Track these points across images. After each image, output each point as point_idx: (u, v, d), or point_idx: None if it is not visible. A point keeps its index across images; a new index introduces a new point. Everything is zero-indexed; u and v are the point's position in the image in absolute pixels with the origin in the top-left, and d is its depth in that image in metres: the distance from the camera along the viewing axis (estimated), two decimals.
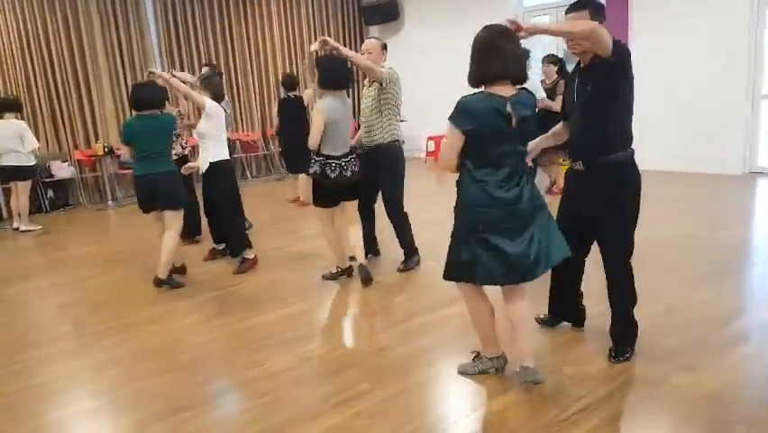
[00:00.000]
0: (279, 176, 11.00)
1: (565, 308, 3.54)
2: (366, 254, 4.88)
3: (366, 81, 4.90)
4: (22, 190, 7.69)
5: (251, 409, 3.00)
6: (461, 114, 2.66)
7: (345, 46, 10.88)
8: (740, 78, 7.79)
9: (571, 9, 2.94)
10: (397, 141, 4.75)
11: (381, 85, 4.60)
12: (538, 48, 8.46)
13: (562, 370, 3.11)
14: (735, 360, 3.14)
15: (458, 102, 2.68)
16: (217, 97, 5.17)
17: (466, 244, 2.76)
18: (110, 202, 9.31)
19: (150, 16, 9.93)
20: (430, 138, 10.81)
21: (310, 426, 2.76)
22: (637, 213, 3.03)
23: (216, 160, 5.11)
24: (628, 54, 2.84)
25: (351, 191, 4.62)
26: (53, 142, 9.26)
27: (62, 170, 9.11)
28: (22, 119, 7.84)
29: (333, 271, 4.80)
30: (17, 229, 7.71)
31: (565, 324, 3.60)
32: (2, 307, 4.84)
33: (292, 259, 5.54)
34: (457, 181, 2.83)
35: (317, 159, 4.46)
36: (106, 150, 9.01)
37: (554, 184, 7.48)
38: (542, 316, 3.59)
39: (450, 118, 2.68)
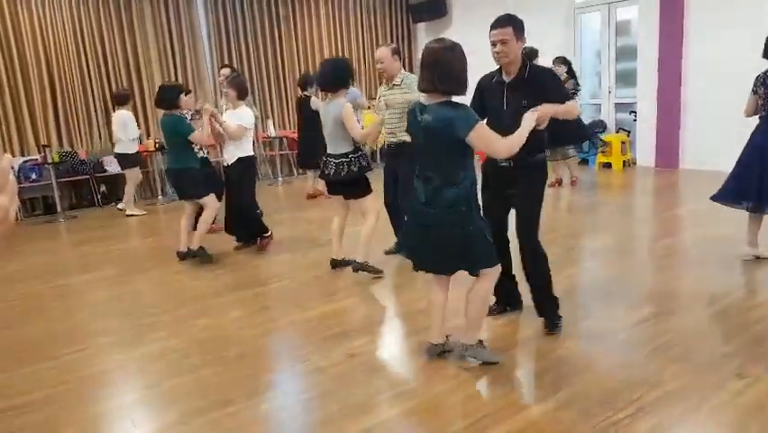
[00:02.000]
0: None
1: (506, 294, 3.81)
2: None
3: (384, 82, 4.97)
4: (127, 177, 8.46)
5: (295, 404, 3.02)
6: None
7: (393, 42, 11.01)
8: None
9: (496, 26, 3.28)
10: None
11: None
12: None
13: (613, 373, 3.03)
14: None
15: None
16: (242, 95, 5.53)
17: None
18: (160, 197, 9.53)
19: (201, 16, 10.13)
20: None
21: (355, 422, 2.76)
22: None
23: (246, 155, 5.52)
24: None
25: (345, 189, 4.80)
26: (106, 139, 9.52)
27: (114, 165, 9.36)
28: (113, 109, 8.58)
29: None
30: (123, 210, 8.54)
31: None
32: (59, 298, 5.00)
33: None
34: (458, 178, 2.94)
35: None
36: (157, 146, 9.21)
37: (573, 178, 8.18)
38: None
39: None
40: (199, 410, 2.96)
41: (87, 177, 9.17)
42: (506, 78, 3.36)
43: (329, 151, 4.74)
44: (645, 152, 9.28)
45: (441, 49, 2.89)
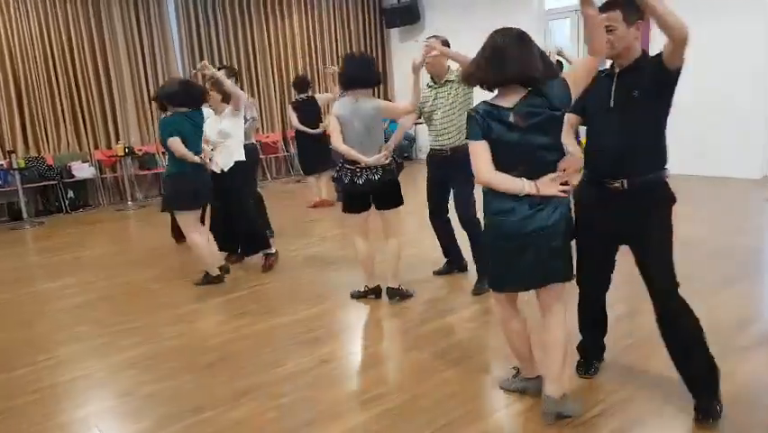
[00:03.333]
0: (299, 177, 11.03)
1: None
2: (450, 270, 4.83)
3: (433, 80, 4.40)
4: None
5: (270, 409, 2.99)
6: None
7: (366, 49, 10.51)
8: (761, 83, 7.73)
9: (603, 9, 2.57)
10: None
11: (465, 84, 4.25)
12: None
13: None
14: (752, 364, 3.09)
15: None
16: (227, 98, 5.16)
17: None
18: (129, 203, 9.39)
19: (171, 18, 10.01)
20: None
21: (329, 427, 2.75)
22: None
23: (241, 159, 5.19)
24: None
25: (385, 198, 4.22)
26: (74, 143, 9.36)
27: (82, 171, 9.20)
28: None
29: (362, 289, 4.47)
30: None
31: None
32: (27, 305, 4.89)
33: (312, 261, 5.54)
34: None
35: (341, 166, 4.17)
36: (127, 150, 9.08)
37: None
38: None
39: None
40: (172, 418, 2.93)
41: (55, 182, 8.99)
42: (617, 69, 2.65)
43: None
44: None
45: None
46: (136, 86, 9.74)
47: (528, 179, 2.47)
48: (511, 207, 2.49)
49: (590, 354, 3.11)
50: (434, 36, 4.34)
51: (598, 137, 2.67)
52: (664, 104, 2.60)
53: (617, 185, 2.60)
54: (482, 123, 2.47)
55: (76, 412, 3.11)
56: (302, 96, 7.87)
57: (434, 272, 4.86)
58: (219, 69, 7.61)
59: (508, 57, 2.43)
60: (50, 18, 8.95)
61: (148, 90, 9.67)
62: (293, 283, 4.94)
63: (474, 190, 4.35)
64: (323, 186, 8.07)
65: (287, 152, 11.48)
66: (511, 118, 2.45)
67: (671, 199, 2.66)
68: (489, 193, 2.56)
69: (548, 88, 2.48)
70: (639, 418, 2.67)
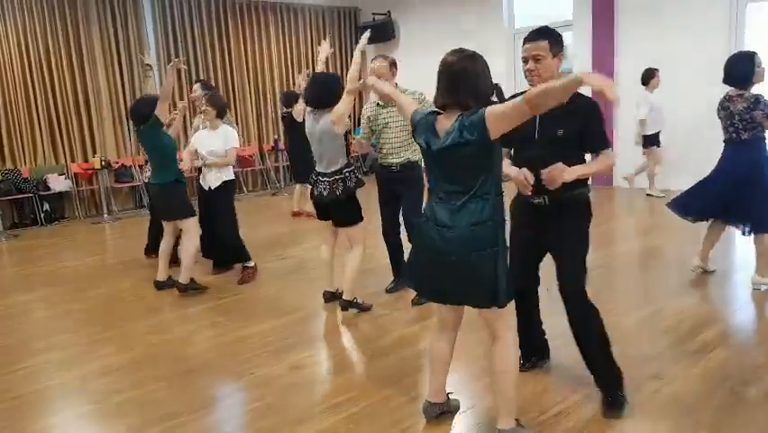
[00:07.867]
0: (274, 191, 11.18)
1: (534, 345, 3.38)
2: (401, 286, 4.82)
3: (378, 99, 4.45)
4: None
5: (239, 415, 3.13)
6: None
7: (341, 63, 10.73)
8: None
9: (531, 39, 2.81)
10: (419, 159, 4.46)
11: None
12: None
13: (541, 377, 3.24)
14: (700, 368, 3.29)
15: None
16: (221, 114, 5.33)
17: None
18: (105, 215, 9.41)
19: (149, 32, 10.11)
20: None
21: (298, 430, 2.88)
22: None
23: (229, 178, 5.39)
24: None
25: (331, 212, 4.43)
26: (50, 156, 9.38)
27: (59, 183, 9.23)
28: None
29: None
30: None
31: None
32: (1, 317, 4.94)
33: (287, 270, 5.70)
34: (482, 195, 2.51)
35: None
36: (103, 163, 9.12)
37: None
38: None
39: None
40: (148, 423, 3.03)
41: (30, 195, 9.00)
42: None
43: (319, 169, 4.36)
44: None
45: (462, 59, 2.53)
46: (113, 99, 9.81)
47: None
48: None
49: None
50: (381, 56, 4.56)
51: (534, 164, 2.81)
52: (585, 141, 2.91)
53: (538, 201, 2.90)
54: None
55: (52, 418, 3.21)
56: (288, 110, 8.23)
57: (386, 290, 4.90)
58: (195, 82, 7.76)
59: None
60: (29, 31, 8.99)
61: (125, 104, 9.73)
62: (268, 293, 5.07)
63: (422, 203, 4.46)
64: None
65: (262, 165, 11.60)
66: None
67: (587, 213, 2.98)
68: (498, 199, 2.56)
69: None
70: (593, 417, 2.84)
